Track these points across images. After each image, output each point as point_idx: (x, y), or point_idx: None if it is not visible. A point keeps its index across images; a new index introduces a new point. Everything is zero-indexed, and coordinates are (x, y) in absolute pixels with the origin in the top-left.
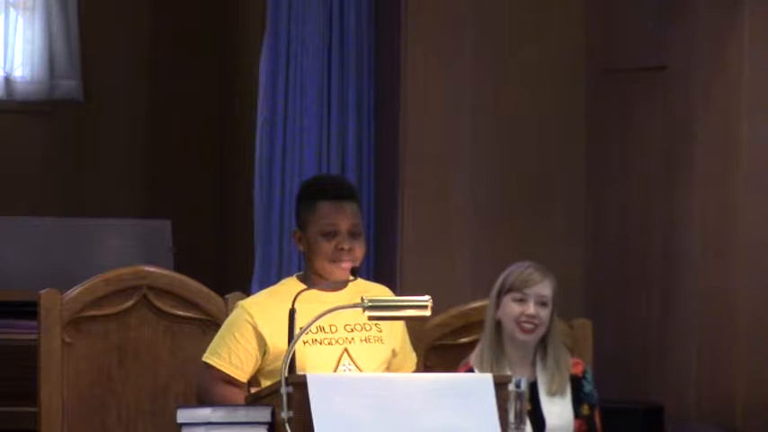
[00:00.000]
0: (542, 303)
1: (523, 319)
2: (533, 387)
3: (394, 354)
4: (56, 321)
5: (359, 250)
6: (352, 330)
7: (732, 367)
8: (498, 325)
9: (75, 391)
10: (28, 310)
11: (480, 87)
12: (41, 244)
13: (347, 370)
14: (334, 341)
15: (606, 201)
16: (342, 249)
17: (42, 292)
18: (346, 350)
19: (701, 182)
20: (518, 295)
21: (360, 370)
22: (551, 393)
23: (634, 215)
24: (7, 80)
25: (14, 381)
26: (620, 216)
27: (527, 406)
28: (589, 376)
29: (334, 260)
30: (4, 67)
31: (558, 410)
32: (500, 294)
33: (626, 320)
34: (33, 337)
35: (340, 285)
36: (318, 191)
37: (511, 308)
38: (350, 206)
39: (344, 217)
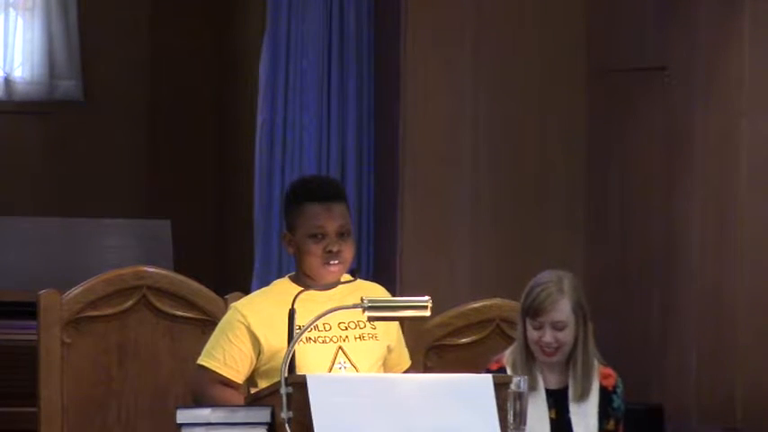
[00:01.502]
0: (559, 328)
1: (542, 344)
2: (563, 394)
3: (389, 350)
4: (55, 321)
5: (347, 251)
6: (347, 328)
7: (732, 367)
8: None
9: (75, 391)
10: (28, 310)
11: (480, 87)
12: (41, 244)
13: (343, 368)
14: (328, 339)
15: (606, 201)
16: (330, 252)
17: (42, 292)
18: (341, 348)
19: (701, 182)
20: (535, 323)
21: (355, 367)
22: (577, 398)
23: (634, 215)
24: (7, 80)
25: (14, 381)
26: (620, 216)
27: (552, 413)
28: (619, 390)
29: (324, 262)
30: (4, 67)
31: (584, 423)
32: (523, 314)
33: (626, 320)
34: (33, 337)
35: (332, 284)
36: (305, 192)
37: (531, 333)
38: (338, 207)
39: (332, 218)
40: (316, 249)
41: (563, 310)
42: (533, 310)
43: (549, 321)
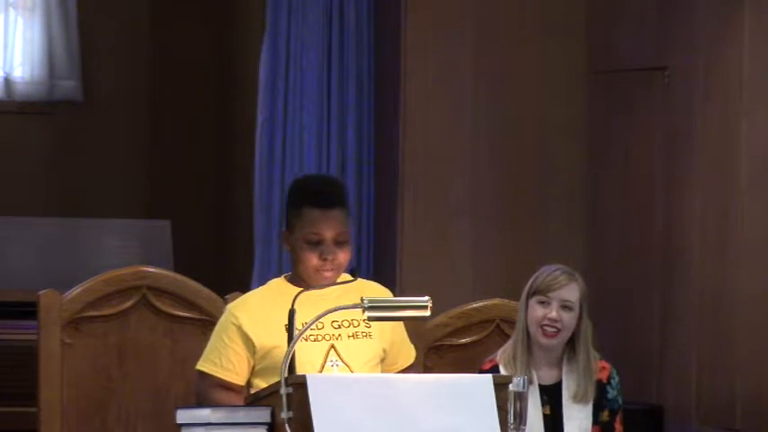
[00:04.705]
0: (566, 307)
1: (546, 322)
2: (557, 390)
3: (386, 349)
4: (55, 322)
5: (342, 257)
6: (339, 326)
7: (732, 367)
8: (527, 326)
9: (75, 391)
10: (28, 310)
11: (480, 87)
12: (41, 244)
13: (335, 366)
14: (320, 337)
15: (606, 201)
16: (325, 259)
17: (42, 292)
18: (333, 346)
19: (701, 182)
20: (542, 298)
21: (347, 366)
22: (576, 399)
23: (634, 215)
24: (7, 80)
25: (14, 381)
26: (620, 216)
27: (546, 410)
28: (614, 382)
29: (317, 268)
30: (4, 68)
31: (578, 417)
32: (528, 297)
33: (626, 321)
34: (33, 337)
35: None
36: (306, 196)
37: (535, 311)
38: (337, 213)
39: (330, 226)
40: (311, 256)
41: (573, 291)
42: (544, 286)
43: (559, 298)
